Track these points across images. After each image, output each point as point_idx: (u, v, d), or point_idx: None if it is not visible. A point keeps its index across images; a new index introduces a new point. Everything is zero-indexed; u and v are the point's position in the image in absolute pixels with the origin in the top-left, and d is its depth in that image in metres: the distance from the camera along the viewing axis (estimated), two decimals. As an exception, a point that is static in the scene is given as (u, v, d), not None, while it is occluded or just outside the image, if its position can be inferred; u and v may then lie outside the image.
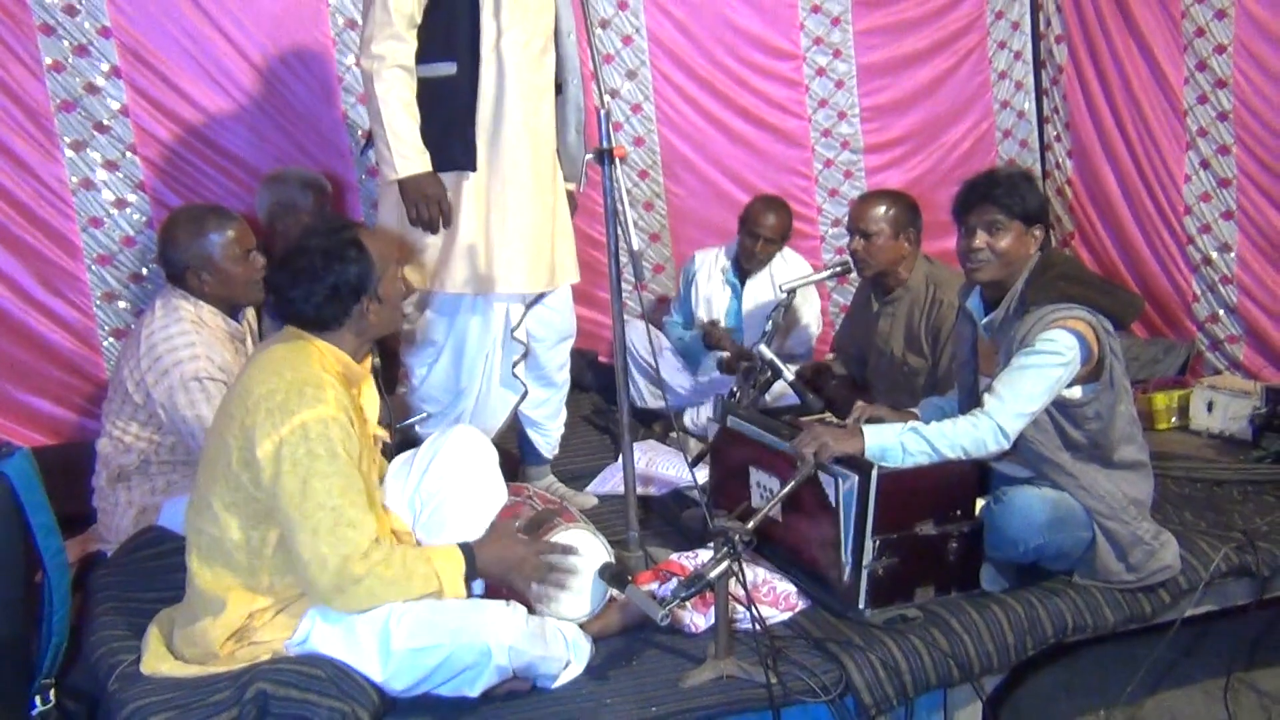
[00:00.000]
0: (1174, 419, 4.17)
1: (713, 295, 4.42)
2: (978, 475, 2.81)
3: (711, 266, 4.47)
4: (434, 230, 3.16)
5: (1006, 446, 2.63)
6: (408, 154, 3.07)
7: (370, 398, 2.53)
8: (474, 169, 3.16)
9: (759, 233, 4.26)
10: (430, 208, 3.12)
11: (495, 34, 3.10)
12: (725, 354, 4.10)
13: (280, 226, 3.77)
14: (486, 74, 3.12)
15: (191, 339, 3.00)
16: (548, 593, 2.52)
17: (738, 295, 4.40)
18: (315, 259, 2.35)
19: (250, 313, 3.31)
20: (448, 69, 3.10)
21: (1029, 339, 2.64)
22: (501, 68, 3.12)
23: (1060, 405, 2.68)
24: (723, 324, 4.35)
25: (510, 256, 3.20)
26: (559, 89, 3.31)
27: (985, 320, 2.85)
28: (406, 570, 2.29)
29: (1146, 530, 2.78)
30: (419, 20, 3.07)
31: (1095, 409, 2.70)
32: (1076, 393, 2.68)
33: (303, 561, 2.25)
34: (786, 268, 4.37)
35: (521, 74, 3.15)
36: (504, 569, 2.42)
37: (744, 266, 4.38)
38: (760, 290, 4.36)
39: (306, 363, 2.31)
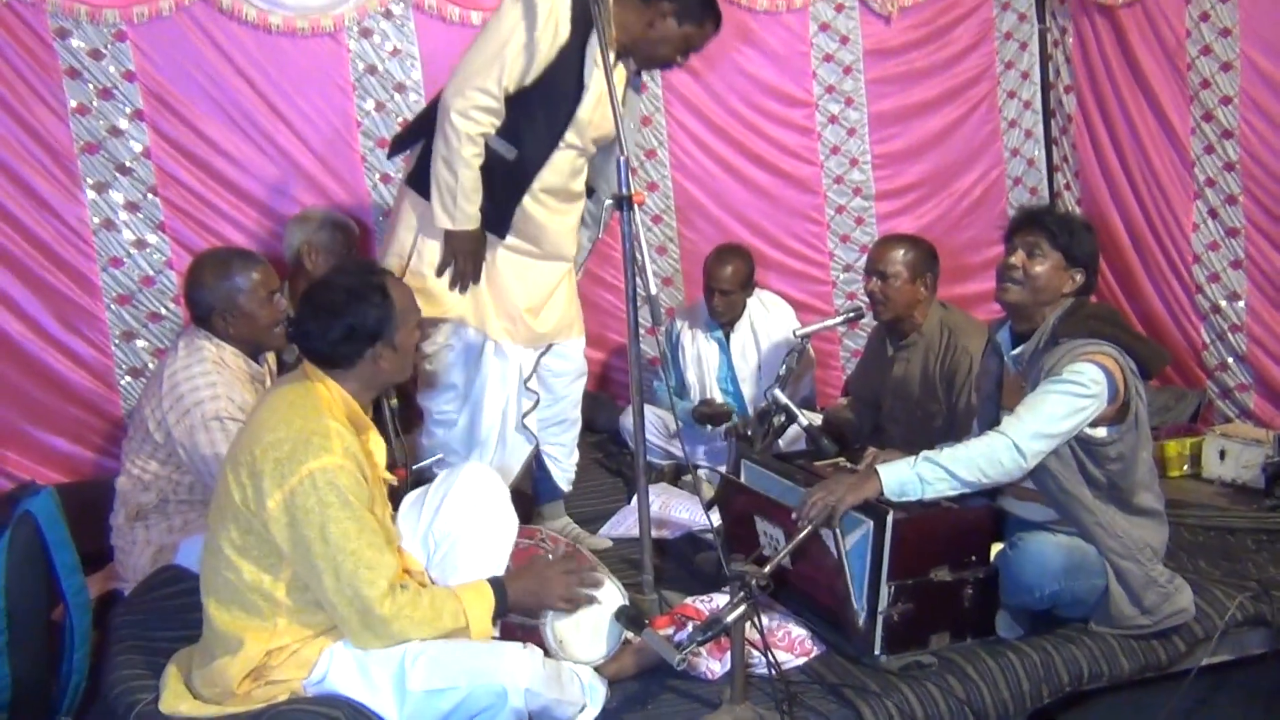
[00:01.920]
0: (1186, 467, 4.18)
1: (701, 352, 4.40)
2: (993, 521, 2.83)
3: (694, 322, 4.45)
4: (462, 286, 3.23)
5: (1024, 465, 2.63)
6: (469, 211, 3.14)
7: (377, 443, 2.55)
8: (503, 237, 3.26)
9: (715, 286, 4.24)
10: (466, 263, 3.20)
11: (564, 144, 3.21)
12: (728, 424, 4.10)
13: (308, 265, 3.86)
14: (535, 170, 3.21)
15: (213, 379, 3.02)
16: (577, 609, 2.51)
17: (725, 349, 4.37)
18: (338, 296, 2.38)
19: (271, 357, 3.34)
20: (508, 150, 3.16)
21: (1057, 369, 2.65)
22: (552, 170, 3.23)
23: (1083, 442, 2.69)
24: (713, 383, 4.34)
25: (503, 316, 3.32)
26: (590, 192, 3.43)
27: (1015, 353, 2.86)
28: (435, 610, 2.32)
29: (1161, 573, 2.79)
30: (511, 91, 3.11)
31: (1118, 449, 2.71)
32: (1101, 432, 2.69)
33: (330, 604, 2.27)
34: (766, 314, 4.36)
35: (563, 181, 3.28)
36: (536, 595, 2.46)
37: (716, 320, 4.36)
38: (744, 340, 4.34)
39: (315, 409, 2.33)
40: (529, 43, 3.05)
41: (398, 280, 2.53)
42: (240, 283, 3.09)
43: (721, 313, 4.29)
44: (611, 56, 3.12)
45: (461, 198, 3.10)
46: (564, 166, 3.25)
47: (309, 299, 2.41)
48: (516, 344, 3.35)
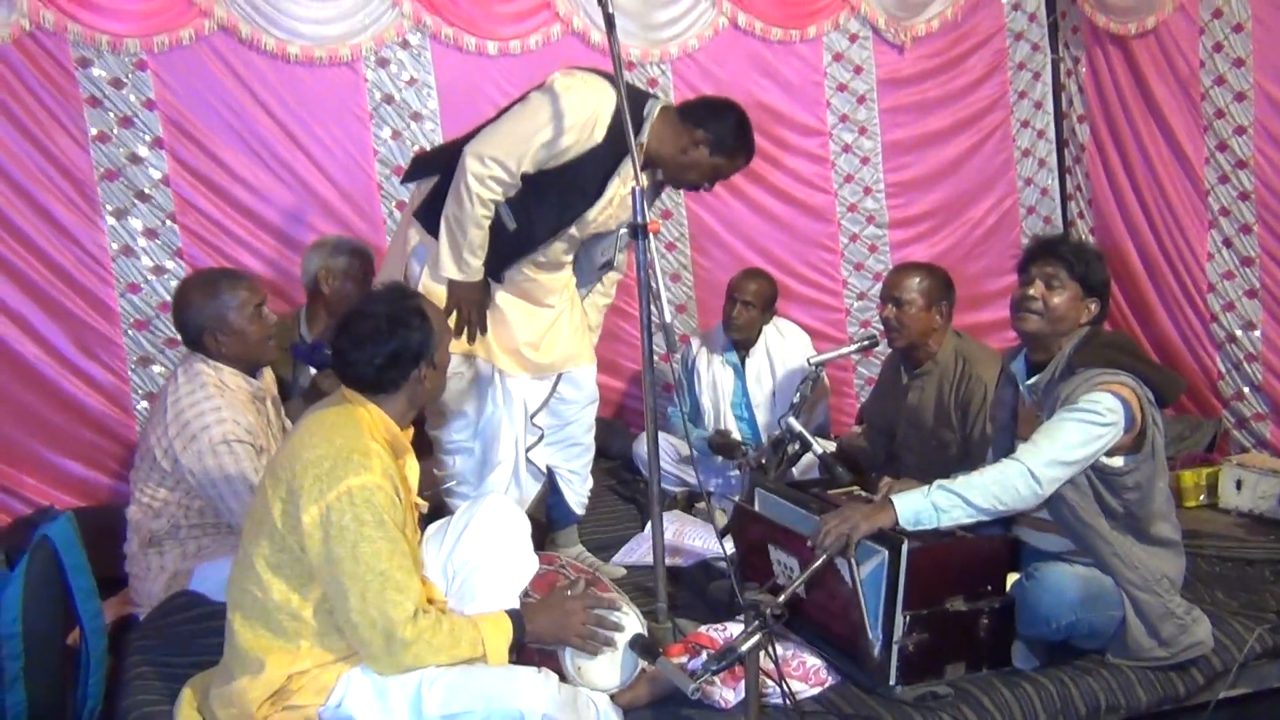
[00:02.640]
0: (1202, 497, 4.16)
1: (716, 377, 4.39)
2: (1009, 551, 2.81)
3: (711, 347, 4.44)
4: (469, 336, 3.26)
5: (1040, 492, 2.62)
6: (474, 265, 3.18)
7: (413, 468, 2.56)
8: (500, 282, 3.32)
9: (737, 296, 4.26)
10: (471, 312, 3.23)
11: (563, 235, 3.26)
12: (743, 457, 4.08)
13: (325, 290, 3.92)
14: (531, 250, 3.26)
15: (217, 403, 3.03)
16: (596, 647, 2.50)
17: (740, 375, 4.37)
18: (381, 323, 2.41)
19: (268, 373, 3.34)
20: (510, 220, 3.21)
21: (1073, 398, 2.65)
22: (547, 250, 3.28)
23: (1100, 472, 2.68)
24: (728, 409, 4.32)
25: (506, 352, 3.35)
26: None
27: (1030, 382, 2.86)
28: (454, 637, 2.32)
29: (1178, 605, 2.77)
30: (531, 173, 3.13)
31: (1135, 479, 2.70)
32: (1118, 461, 2.68)
33: (351, 624, 2.26)
34: (782, 341, 4.36)
35: (555, 257, 3.34)
36: (555, 630, 2.46)
37: (730, 336, 4.36)
38: (760, 366, 4.33)
39: (356, 429, 2.35)
40: (560, 137, 3.08)
41: (429, 301, 2.58)
42: (228, 300, 3.10)
43: (739, 327, 4.28)
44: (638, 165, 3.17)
45: (468, 252, 3.15)
46: (558, 248, 3.31)
47: (347, 330, 2.44)
48: (523, 374, 3.37)
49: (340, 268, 3.94)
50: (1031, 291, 2.79)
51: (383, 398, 2.45)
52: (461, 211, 3.11)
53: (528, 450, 3.44)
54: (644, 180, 3.27)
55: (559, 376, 3.47)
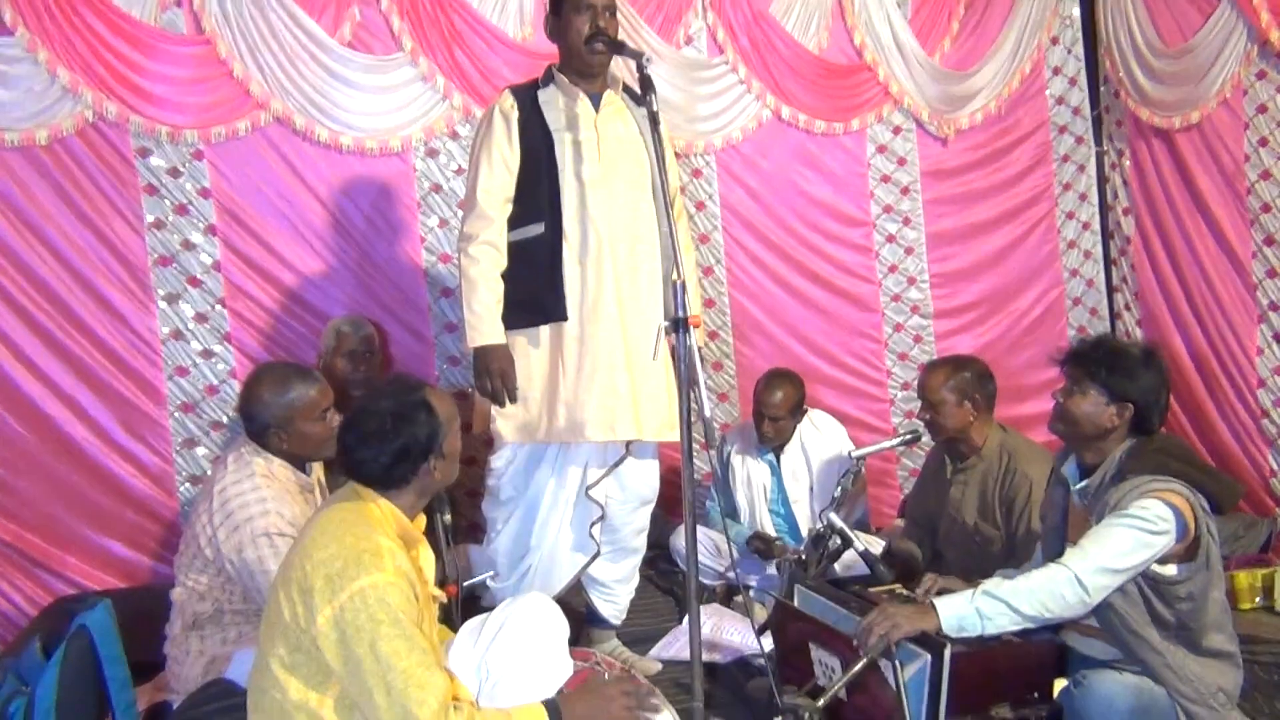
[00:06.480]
0: (1258, 599, 4.03)
1: (751, 475, 4.30)
2: (1056, 656, 2.74)
3: (744, 445, 4.33)
4: (499, 403, 3.27)
5: (1087, 600, 2.54)
6: (478, 326, 3.24)
7: (427, 558, 2.53)
8: (566, 318, 3.28)
9: (765, 412, 4.15)
10: (494, 380, 3.26)
11: (578, 189, 3.28)
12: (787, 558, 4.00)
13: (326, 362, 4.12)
14: (571, 228, 3.28)
15: (263, 494, 3.03)
16: None
17: (776, 472, 4.26)
18: (386, 421, 2.37)
19: (318, 466, 3.34)
20: (536, 230, 3.27)
21: (1123, 504, 2.59)
22: (587, 219, 3.28)
23: (1151, 580, 2.60)
24: (764, 506, 4.25)
25: (594, 403, 3.27)
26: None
27: (1080, 486, 2.81)
28: None
29: (1236, 721, 2.68)
30: (511, 194, 3.27)
31: (1188, 589, 2.62)
32: (1171, 570, 2.60)
33: None
34: (817, 434, 4.25)
35: (610, 224, 3.31)
36: (592, 715, 2.40)
37: (765, 445, 4.26)
38: (795, 463, 4.22)
39: (366, 527, 2.31)
40: (493, 155, 3.28)
41: (435, 390, 2.53)
42: (296, 401, 3.08)
43: (771, 438, 4.19)
44: (586, 102, 3.32)
45: (469, 311, 3.26)
46: (600, 210, 3.29)
47: (354, 427, 2.41)
48: (566, 438, 3.32)
49: (324, 345, 4.14)
50: (1057, 395, 2.80)
51: (393, 493, 2.41)
52: (462, 267, 3.27)
53: (590, 526, 3.41)
54: (624, 112, 3.39)
55: (622, 459, 3.41)
